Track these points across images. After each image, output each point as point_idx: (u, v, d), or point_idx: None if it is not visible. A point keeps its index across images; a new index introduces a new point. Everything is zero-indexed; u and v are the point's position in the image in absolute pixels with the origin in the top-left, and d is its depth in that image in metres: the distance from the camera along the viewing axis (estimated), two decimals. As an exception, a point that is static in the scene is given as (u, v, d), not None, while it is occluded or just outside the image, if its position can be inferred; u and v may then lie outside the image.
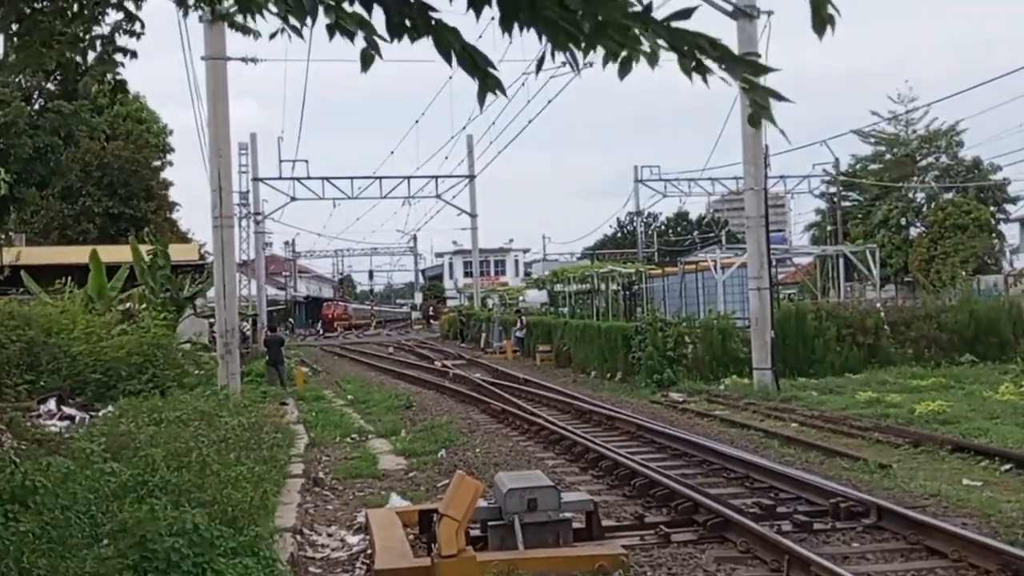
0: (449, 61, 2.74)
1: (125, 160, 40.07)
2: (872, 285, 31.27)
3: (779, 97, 2.73)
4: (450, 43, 2.72)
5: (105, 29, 5.07)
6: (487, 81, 2.77)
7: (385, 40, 2.89)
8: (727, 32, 17.89)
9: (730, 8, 17.40)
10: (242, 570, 4.99)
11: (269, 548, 5.73)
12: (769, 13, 17.55)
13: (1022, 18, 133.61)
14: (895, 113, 45.95)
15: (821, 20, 2.65)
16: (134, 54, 5.46)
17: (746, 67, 2.66)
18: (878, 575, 6.69)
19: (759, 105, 2.67)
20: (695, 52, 2.59)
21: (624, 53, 2.64)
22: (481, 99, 2.83)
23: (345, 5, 2.87)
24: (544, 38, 2.69)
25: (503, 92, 2.81)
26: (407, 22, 2.70)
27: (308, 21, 2.91)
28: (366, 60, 2.91)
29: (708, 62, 2.62)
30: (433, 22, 2.71)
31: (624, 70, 2.66)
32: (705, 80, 2.65)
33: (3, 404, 11.87)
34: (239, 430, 9.82)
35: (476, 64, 2.76)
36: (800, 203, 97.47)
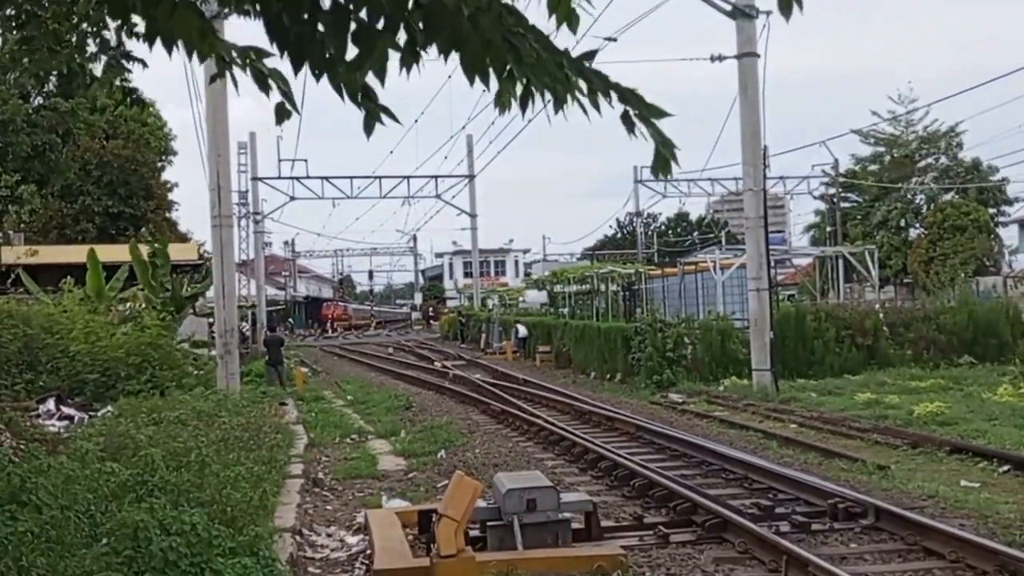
0: (341, 96, 2.93)
1: (125, 159, 40.08)
2: (871, 286, 31.27)
3: (672, 148, 2.93)
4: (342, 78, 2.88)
5: (111, 36, 5.07)
6: (372, 115, 2.98)
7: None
8: (726, 32, 17.90)
9: (729, 8, 17.41)
10: (241, 570, 4.99)
11: (268, 548, 5.73)
12: (768, 13, 17.57)
13: (1022, 19, 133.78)
14: (895, 113, 46.00)
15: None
16: (144, 63, 5.46)
17: (649, 110, 2.86)
18: (876, 575, 6.72)
19: (663, 151, 2.85)
20: (607, 92, 2.80)
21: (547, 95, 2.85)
22: (367, 131, 3.03)
23: (267, 61, 3.08)
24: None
25: (394, 119, 3.03)
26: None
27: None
28: (279, 114, 3.15)
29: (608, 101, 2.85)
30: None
31: (558, 107, 2.87)
32: (598, 110, 2.88)
33: (2, 404, 11.87)
34: (238, 430, 9.83)
35: (368, 96, 2.95)
36: (799, 204, 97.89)
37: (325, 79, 2.86)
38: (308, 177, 44.07)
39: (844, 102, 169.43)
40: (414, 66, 2.83)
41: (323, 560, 7.39)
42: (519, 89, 2.85)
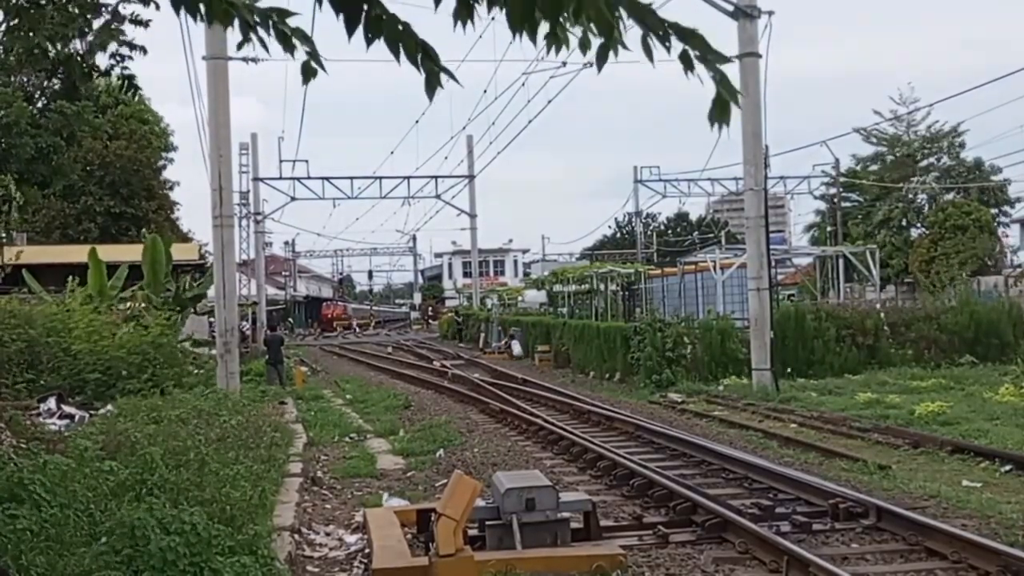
0: (397, 57, 2.80)
1: (127, 159, 40.13)
2: (872, 286, 31.25)
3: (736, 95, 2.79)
4: (399, 37, 2.77)
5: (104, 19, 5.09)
6: (433, 76, 2.85)
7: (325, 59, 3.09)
8: (727, 32, 17.90)
9: (731, 8, 17.39)
10: (240, 569, 4.98)
11: (267, 547, 5.72)
12: (770, 13, 17.56)
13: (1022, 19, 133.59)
14: (896, 113, 45.94)
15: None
16: (144, 50, 5.49)
17: (713, 55, 2.70)
18: (877, 575, 6.69)
19: (725, 100, 2.70)
20: (669, 37, 2.63)
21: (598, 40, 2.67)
22: (429, 92, 2.91)
23: (290, 20, 3.01)
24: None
25: (455, 80, 2.91)
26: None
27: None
28: (306, 72, 3.08)
29: (680, 46, 2.66)
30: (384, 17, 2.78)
31: (603, 58, 2.69)
32: (688, 72, 2.69)
33: (3, 402, 11.87)
34: (238, 429, 9.83)
35: (429, 56, 2.83)
36: (800, 204, 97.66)
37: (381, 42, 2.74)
38: (309, 177, 44.16)
39: (845, 102, 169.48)
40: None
41: (322, 559, 7.38)
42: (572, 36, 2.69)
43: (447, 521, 6.27)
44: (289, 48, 3.03)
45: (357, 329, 69.34)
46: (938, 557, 6.84)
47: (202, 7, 2.96)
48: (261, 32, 3.05)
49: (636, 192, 46.91)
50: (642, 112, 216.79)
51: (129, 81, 6.19)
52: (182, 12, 3.13)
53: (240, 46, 3.24)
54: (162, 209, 43.38)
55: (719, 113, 2.75)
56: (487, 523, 6.94)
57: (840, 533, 7.60)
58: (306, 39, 3.03)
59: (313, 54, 3.03)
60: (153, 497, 5.49)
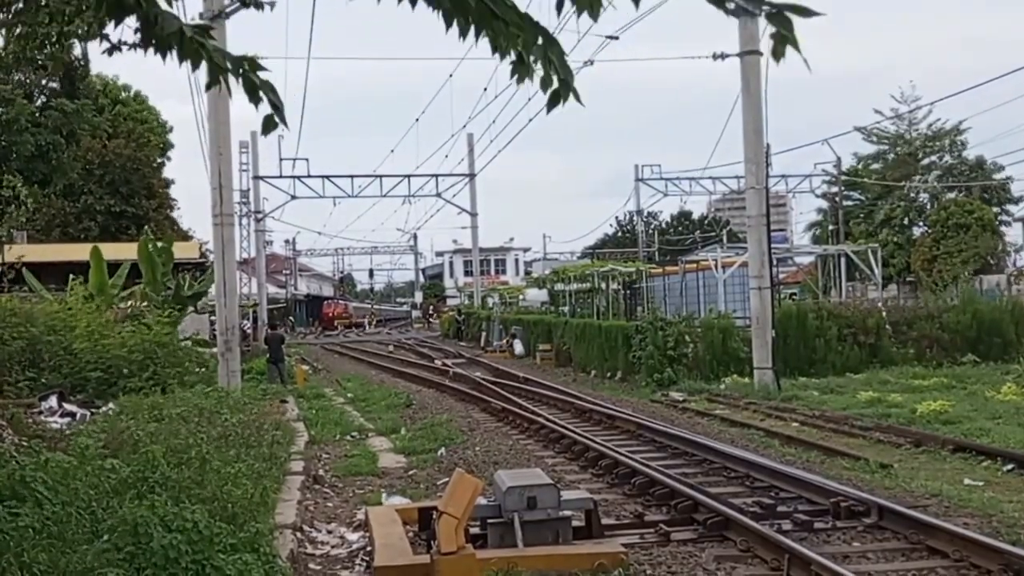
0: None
1: (127, 158, 40.19)
2: (874, 285, 31.23)
3: (806, 12, 2.70)
4: None
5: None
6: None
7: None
8: (728, 30, 17.87)
9: (732, 5, 17.36)
10: (241, 566, 4.98)
11: (269, 545, 5.72)
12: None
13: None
14: (898, 112, 45.91)
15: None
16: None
17: None
18: (879, 574, 6.68)
19: (782, 34, 2.65)
20: None
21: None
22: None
23: (262, 73, 3.01)
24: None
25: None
26: None
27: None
28: (267, 126, 3.09)
29: None
30: None
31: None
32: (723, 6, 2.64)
33: (5, 401, 11.88)
34: (239, 427, 9.83)
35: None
36: (802, 202, 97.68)
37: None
38: (309, 176, 44.11)
39: (846, 102, 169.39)
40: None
41: (323, 557, 7.38)
42: None
43: (449, 519, 6.27)
44: (255, 100, 3.03)
45: (366, 326, 69.60)
46: (940, 556, 6.83)
47: (175, 49, 2.95)
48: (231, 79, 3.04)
49: (637, 191, 46.88)
50: (642, 111, 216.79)
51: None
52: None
53: (207, 87, 3.24)
54: (162, 208, 43.45)
55: (779, 47, 2.77)
56: (489, 521, 6.95)
57: (842, 532, 7.59)
58: (273, 92, 3.03)
59: (277, 107, 3.02)
60: (155, 495, 5.48)
